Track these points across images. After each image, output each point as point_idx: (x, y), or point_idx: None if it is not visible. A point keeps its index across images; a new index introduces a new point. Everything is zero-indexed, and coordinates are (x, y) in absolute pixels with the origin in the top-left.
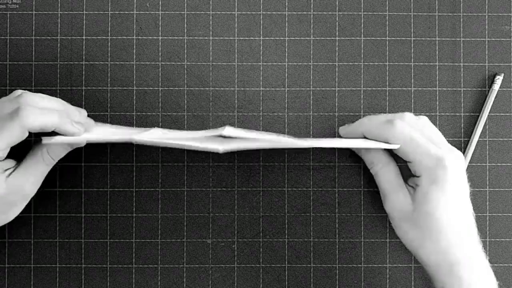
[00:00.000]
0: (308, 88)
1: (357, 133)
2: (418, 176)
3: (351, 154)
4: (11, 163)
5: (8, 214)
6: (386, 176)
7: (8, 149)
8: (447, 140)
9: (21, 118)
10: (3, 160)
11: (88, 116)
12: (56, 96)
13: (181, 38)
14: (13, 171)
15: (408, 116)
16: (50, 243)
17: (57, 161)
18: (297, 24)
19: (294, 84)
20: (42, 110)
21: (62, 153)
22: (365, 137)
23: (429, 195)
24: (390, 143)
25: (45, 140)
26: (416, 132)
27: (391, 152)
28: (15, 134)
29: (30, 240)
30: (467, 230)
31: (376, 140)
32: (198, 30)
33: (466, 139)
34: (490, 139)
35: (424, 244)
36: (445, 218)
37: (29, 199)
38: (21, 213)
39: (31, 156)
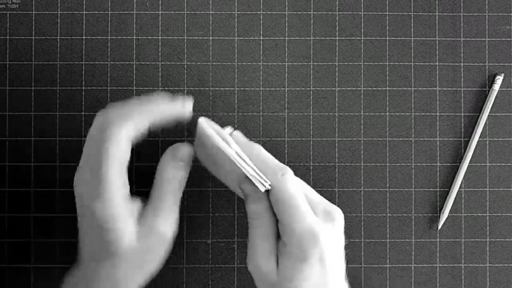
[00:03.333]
0: (308, 88)
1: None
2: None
3: (351, 154)
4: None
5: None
6: (265, 234)
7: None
8: (448, 141)
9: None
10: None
11: (87, 116)
12: (55, 97)
13: (181, 38)
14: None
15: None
16: (50, 243)
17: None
18: (297, 24)
19: (294, 84)
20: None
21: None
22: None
23: (296, 274)
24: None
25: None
26: (302, 194)
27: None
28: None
29: (29, 240)
30: None
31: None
32: (198, 30)
33: (466, 139)
34: (490, 139)
35: None
36: None
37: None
38: (20, 213)
39: (165, 202)
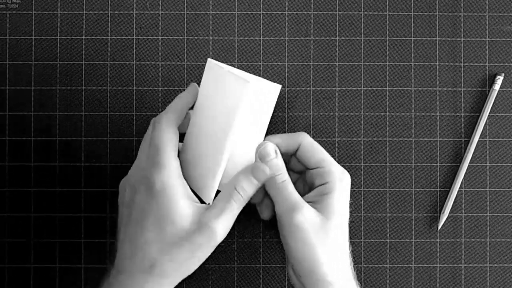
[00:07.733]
0: (308, 88)
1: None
2: (323, 184)
3: (351, 154)
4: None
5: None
6: (291, 182)
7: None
8: (448, 141)
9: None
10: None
11: (87, 116)
12: (56, 96)
13: (181, 38)
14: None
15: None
16: (49, 243)
17: (247, 201)
18: (297, 24)
19: (294, 84)
20: None
21: (252, 191)
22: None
23: (342, 207)
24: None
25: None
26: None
27: None
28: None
29: (29, 240)
30: None
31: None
32: (198, 30)
33: (466, 139)
34: (490, 139)
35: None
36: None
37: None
38: (20, 213)
39: (222, 199)
